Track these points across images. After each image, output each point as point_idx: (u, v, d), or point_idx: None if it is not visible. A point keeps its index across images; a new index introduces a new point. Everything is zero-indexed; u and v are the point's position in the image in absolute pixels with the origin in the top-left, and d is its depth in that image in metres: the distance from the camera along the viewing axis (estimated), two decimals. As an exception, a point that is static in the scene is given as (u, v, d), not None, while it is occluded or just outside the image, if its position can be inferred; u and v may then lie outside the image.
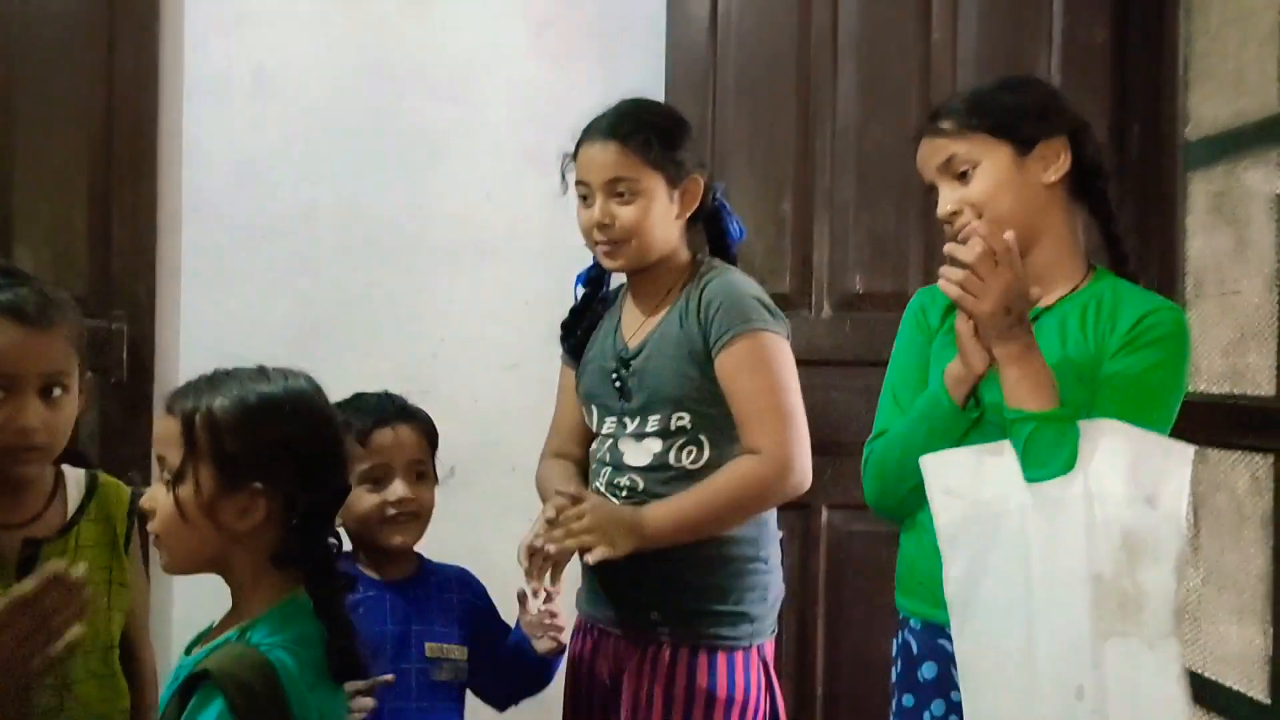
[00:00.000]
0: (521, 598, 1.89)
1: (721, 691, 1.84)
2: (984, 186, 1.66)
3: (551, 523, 1.80)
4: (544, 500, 1.98)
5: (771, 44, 2.68)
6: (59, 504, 1.69)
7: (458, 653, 1.90)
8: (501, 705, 2.01)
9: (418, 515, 1.91)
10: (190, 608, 2.38)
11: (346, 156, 2.76)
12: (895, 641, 1.78)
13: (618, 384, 1.92)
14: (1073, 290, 1.69)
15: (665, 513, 1.80)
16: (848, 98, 2.66)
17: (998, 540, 1.57)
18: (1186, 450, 1.55)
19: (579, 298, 2.05)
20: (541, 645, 1.88)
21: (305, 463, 1.39)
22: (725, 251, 2.00)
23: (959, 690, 1.65)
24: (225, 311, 2.72)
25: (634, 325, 1.96)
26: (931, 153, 1.70)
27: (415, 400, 1.97)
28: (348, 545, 1.92)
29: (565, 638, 1.92)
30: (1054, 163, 1.67)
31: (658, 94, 2.50)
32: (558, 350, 2.07)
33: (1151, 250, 2.54)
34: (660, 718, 1.84)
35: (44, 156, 2.71)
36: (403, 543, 1.91)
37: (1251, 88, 2.36)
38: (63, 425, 1.60)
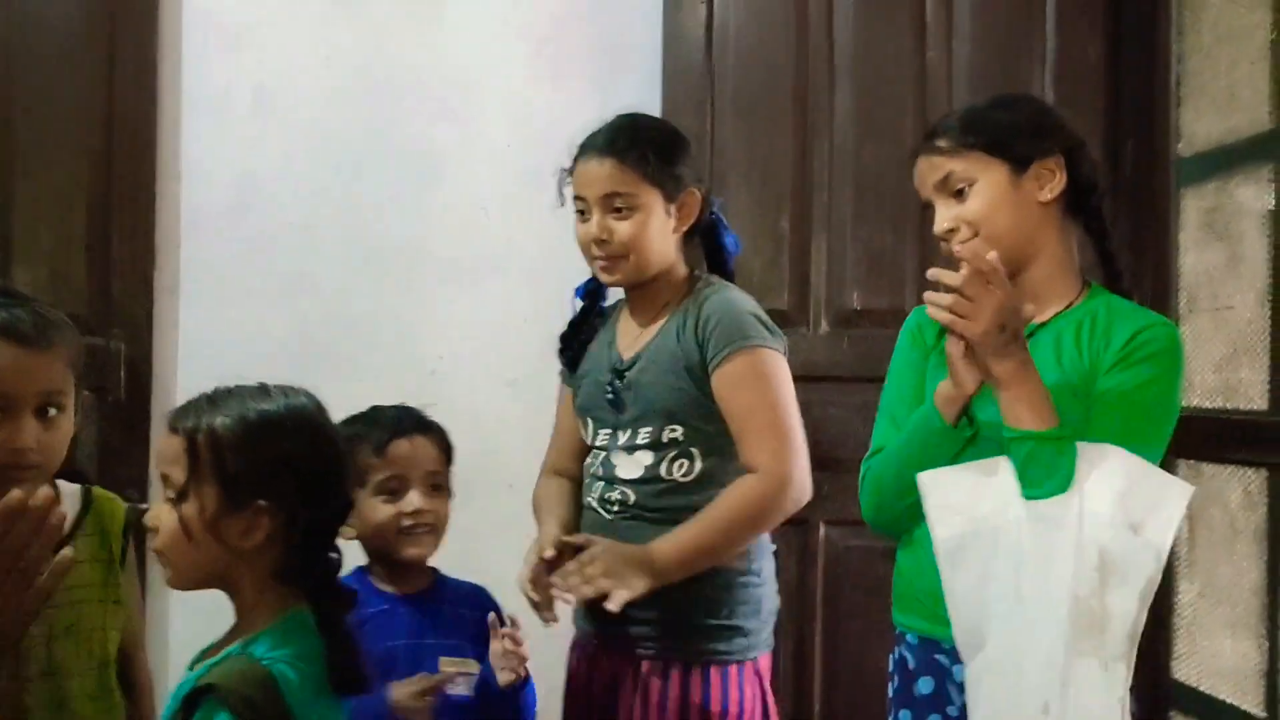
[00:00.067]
0: (492, 625, 1.87)
1: (715, 706, 1.84)
2: (980, 204, 1.67)
3: (553, 564, 1.80)
4: (537, 518, 1.99)
5: (768, 63, 2.69)
6: None
7: (472, 667, 1.88)
8: None
9: (434, 527, 1.91)
10: (187, 624, 2.39)
11: (345, 174, 2.77)
12: (892, 657, 1.79)
13: (610, 395, 1.93)
14: (1067, 307, 1.70)
15: (672, 544, 1.80)
16: (844, 116, 2.68)
17: (997, 554, 1.57)
18: (1186, 489, 1.55)
19: (577, 310, 2.05)
20: (502, 678, 1.85)
21: (308, 480, 1.39)
22: (722, 266, 2.01)
23: (954, 705, 1.66)
24: (224, 329, 2.72)
25: (629, 337, 1.96)
26: (928, 170, 1.72)
27: (415, 415, 1.97)
28: (362, 560, 1.92)
29: (531, 668, 1.88)
30: (1050, 181, 1.68)
31: (655, 112, 2.51)
32: (556, 366, 2.08)
33: (1145, 266, 2.55)
34: (654, 733, 1.84)
35: (43, 174, 2.71)
36: (418, 555, 1.91)
37: (1243, 105, 2.38)
38: (58, 445, 1.59)
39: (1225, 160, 2.44)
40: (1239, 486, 2.33)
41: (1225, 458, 2.36)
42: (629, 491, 1.89)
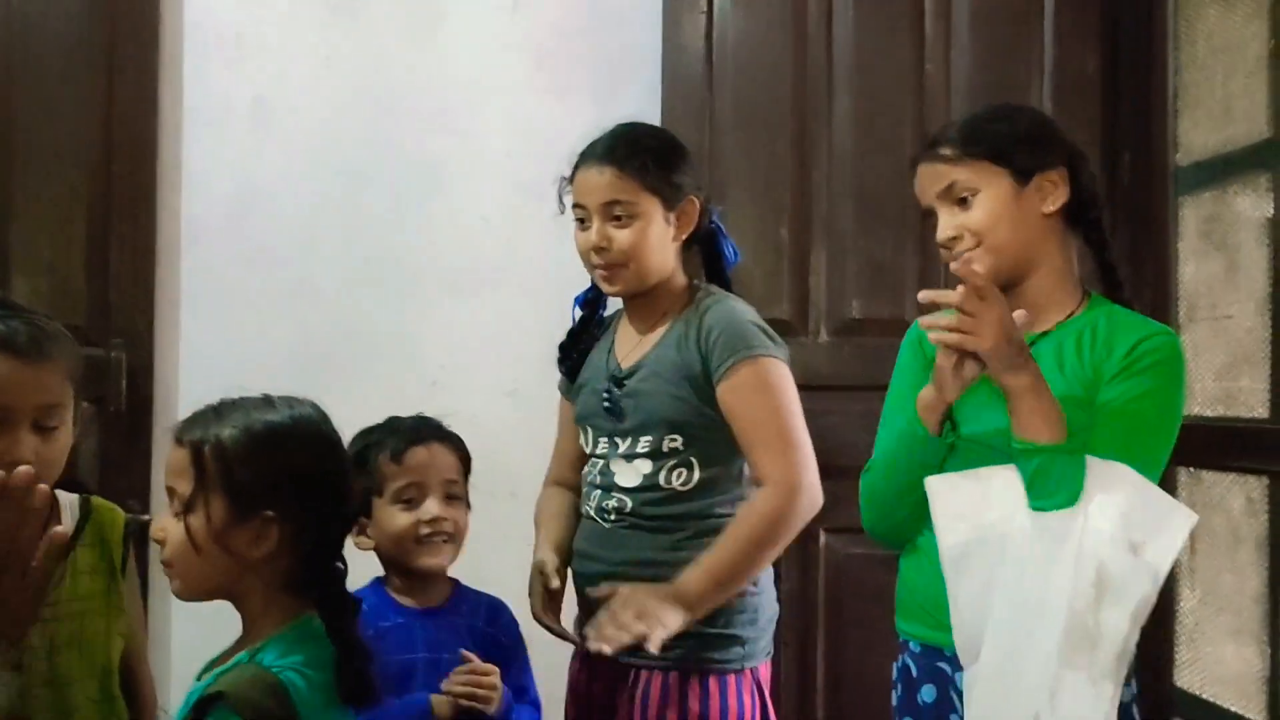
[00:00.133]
0: (466, 659, 1.85)
1: (714, 715, 1.84)
2: (984, 214, 1.67)
3: (589, 613, 1.79)
4: (537, 527, 2.01)
5: (767, 74, 2.70)
6: None
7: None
8: None
9: (452, 536, 1.90)
10: (190, 633, 2.39)
11: (345, 185, 2.77)
12: (895, 665, 1.79)
13: (608, 403, 1.93)
14: (1068, 317, 1.70)
15: (699, 573, 1.78)
16: (843, 126, 2.69)
17: (1004, 561, 1.58)
18: (1190, 516, 1.56)
19: (576, 319, 2.06)
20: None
21: (314, 490, 1.40)
22: (721, 274, 2.01)
23: (958, 713, 1.66)
24: (224, 340, 2.71)
25: (628, 346, 1.97)
26: (931, 179, 1.72)
27: (416, 426, 1.98)
28: (376, 570, 1.92)
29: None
30: (1053, 193, 1.69)
31: (655, 123, 2.51)
32: (557, 377, 2.08)
33: (1144, 275, 2.56)
34: (652, 743, 1.84)
35: (42, 186, 2.71)
36: (436, 565, 1.90)
37: (1240, 115, 2.39)
38: (56, 458, 1.58)
39: (1223, 170, 2.45)
40: (1241, 494, 2.34)
41: (1226, 465, 2.37)
42: (626, 499, 1.90)
